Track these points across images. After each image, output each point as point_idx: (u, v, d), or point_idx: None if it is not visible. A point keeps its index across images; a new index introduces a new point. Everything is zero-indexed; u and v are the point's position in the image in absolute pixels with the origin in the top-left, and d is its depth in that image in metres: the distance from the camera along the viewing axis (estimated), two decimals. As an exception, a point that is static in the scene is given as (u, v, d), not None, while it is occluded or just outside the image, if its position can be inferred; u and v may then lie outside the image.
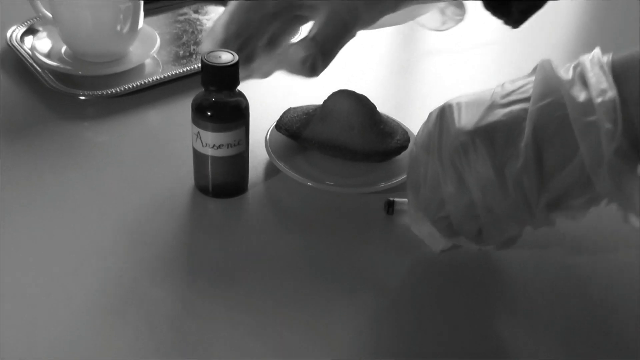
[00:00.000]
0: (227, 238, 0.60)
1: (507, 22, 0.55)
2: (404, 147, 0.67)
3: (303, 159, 0.68)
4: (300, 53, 0.56)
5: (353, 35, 0.58)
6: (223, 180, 0.64)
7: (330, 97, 0.68)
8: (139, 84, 0.76)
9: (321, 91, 0.70)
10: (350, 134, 0.66)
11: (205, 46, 0.59)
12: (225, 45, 0.58)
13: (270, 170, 0.67)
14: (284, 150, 0.68)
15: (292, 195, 0.65)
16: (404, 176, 0.65)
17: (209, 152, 0.62)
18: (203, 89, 0.60)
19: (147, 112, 0.74)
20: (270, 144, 0.68)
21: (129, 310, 0.53)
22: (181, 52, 0.81)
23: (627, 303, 0.55)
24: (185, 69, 0.77)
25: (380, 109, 0.69)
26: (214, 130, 0.61)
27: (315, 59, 0.56)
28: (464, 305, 0.55)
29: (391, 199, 0.63)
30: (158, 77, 0.77)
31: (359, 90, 0.69)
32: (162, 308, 0.53)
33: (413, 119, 0.69)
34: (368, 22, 0.58)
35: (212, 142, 0.61)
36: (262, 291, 0.55)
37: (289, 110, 0.70)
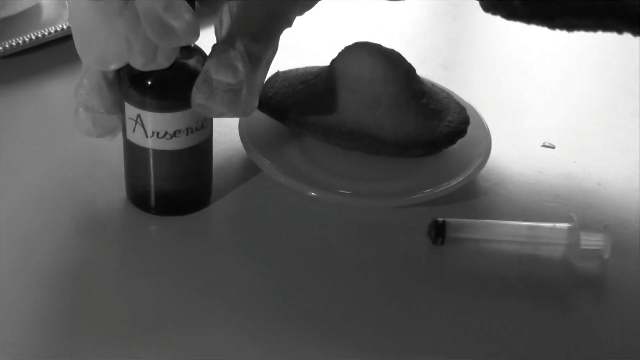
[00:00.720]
0: (178, 278, 0.59)
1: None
2: (459, 132, 0.66)
3: (300, 153, 0.67)
4: (222, 86, 0.57)
5: (289, 25, 0.59)
6: (173, 187, 0.62)
7: (341, 55, 0.66)
8: (32, 37, 0.74)
9: (327, 46, 0.69)
10: (374, 113, 0.65)
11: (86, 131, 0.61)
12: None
13: (248, 171, 0.67)
14: (269, 139, 0.67)
15: (283, 211, 0.64)
16: (461, 178, 0.65)
17: (151, 143, 0.60)
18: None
19: (46, 83, 0.73)
20: (247, 130, 0.67)
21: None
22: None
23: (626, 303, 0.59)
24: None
25: (420, 71, 0.68)
26: (158, 108, 0.59)
27: (251, 85, 0.58)
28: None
29: (440, 219, 0.62)
30: (62, 27, 0.75)
31: (385, 44, 0.67)
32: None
33: (469, 87, 0.68)
34: (310, 3, 0.59)
35: (155, 128, 0.59)
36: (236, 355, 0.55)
37: (277, 75, 0.69)
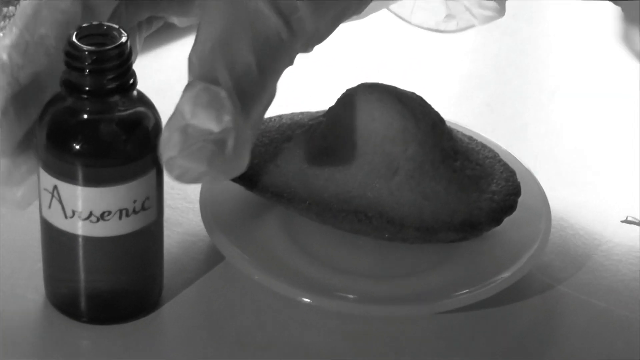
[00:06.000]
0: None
1: None
2: (507, 208, 0.62)
3: (284, 239, 0.63)
4: (200, 134, 0.53)
5: (291, 62, 0.56)
6: (108, 286, 0.59)
7: (342, 102, 0.63)
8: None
9: (322, 86, 0.71)
10: (388, 184, 0.62)
11: None
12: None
13: (212, 262, 0.63)
14: (241, 218, 0.64)
15: (259, 318, 0.60)
16: (509, 273, 0.60)
17: (81, 228, 0.57)
18: (62, 94, 0.56)
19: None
20: (210, 206, 0.63)
21: None
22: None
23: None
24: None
25: (453, 115, 0.66)
26: (91, 181, 0.56)
27: (241, 134, 0.53)
28: None
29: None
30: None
31: (402, 85, 0.64)
32: None
33: (524, 135, 0.70)
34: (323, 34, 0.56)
35: (74, 206, 0.56)
36: None
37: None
